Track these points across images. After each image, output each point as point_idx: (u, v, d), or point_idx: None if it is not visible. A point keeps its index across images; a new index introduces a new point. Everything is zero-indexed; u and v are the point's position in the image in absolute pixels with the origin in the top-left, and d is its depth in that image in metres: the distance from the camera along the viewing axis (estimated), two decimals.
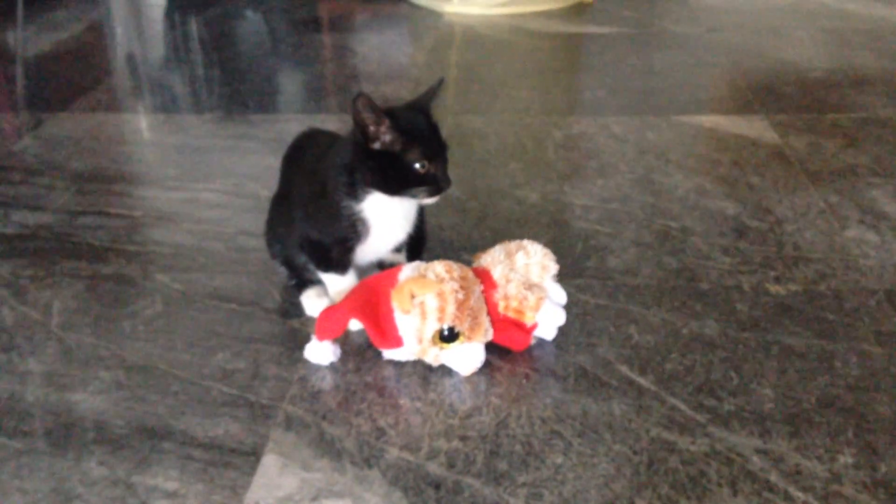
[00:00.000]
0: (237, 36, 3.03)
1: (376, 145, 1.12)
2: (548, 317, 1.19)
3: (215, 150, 1.91)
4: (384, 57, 2.65)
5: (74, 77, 2.50)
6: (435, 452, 1.01)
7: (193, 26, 3.13)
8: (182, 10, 3.36)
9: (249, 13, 3.30)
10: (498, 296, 1.18)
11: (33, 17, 3.23)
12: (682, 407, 1.07)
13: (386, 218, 1.18)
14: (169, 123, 2.12)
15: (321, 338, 1.17)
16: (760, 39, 2.62)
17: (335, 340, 1.18)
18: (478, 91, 2.29)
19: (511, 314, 1.17)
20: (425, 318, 1.12)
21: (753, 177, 1.68)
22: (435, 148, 1.14)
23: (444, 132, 1.19)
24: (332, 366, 1.17)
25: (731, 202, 1.59)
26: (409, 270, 1.17)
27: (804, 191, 1.62)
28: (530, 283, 1.19)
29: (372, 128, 1.11)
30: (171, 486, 0.96)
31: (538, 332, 1.20)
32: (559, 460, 1.00)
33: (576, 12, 3.06)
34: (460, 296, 1.12)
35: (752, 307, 1.27)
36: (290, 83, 2.48)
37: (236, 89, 2.34)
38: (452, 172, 1.16)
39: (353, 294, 1.18)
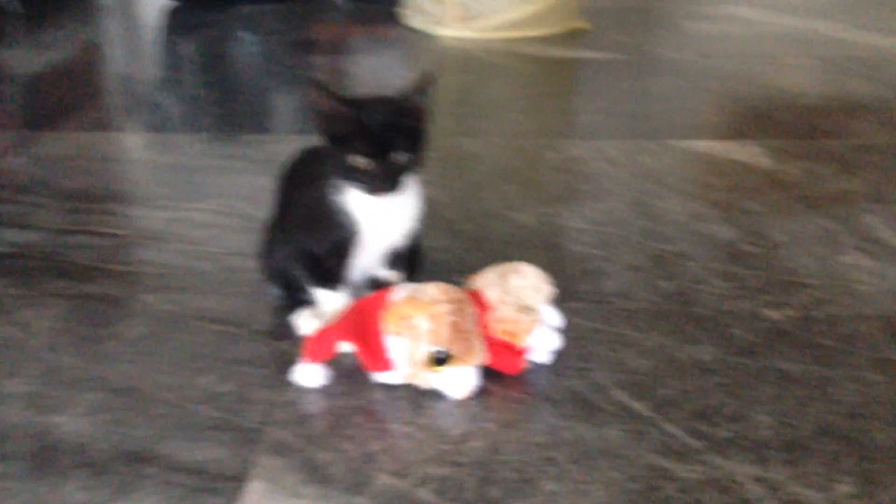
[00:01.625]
0: (231, 57, 3.03)
1: (332, 132, 1.11)
2: (542, 340, 1.17)
3: (207, 169, 1.89)
4: (379, 79, 2.65)
5: (67, 96, 2.50)
6: (426, 479, 0.99)
7: (188, 47, 3.13)
8: (177, 32, 3.36)
9: (244, 35, 3.30)
10: (491, 318, 1.16)
11: (26, 36, 3.23)
12: (678, 433, 1.05)
13: (372, 214, 1.16)
14: (161, 143, 2.11)
15: (310, 360, 1.14)
16: (754, 66, 2.63)
17: (325, 363, 1.16)
18: (472, 114, 2.29)
19: (505, 337, 1.15)
20: (417, 341, 1.10)
21: (749, 202, 1.68)
22: (378, 146, 1.10)
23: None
24: (321, 389, 1.15)
25: (727, 227, 1.57)
26: (401, 292, 1.15)
27: (800, 216, 1.61)
28: (524, 306, 1.17)
29: (328, 113, 1.10)
30: None
31: (532, 356, 1.18)
32: (553, 487, 0.97)
33: (571, 37, 3.07)
34: (454, 318, 1.10)
35: (749, 332, 1.25)
36: (283, 104, 2.48)
37: (229, 110, 2.34)
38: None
39: (344, 316, 1.16)
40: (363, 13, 3.60)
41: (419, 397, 1.13)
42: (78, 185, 1.81)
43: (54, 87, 2.61)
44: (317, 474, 0.99)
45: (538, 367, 1.18)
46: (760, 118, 2.14)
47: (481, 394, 1.13)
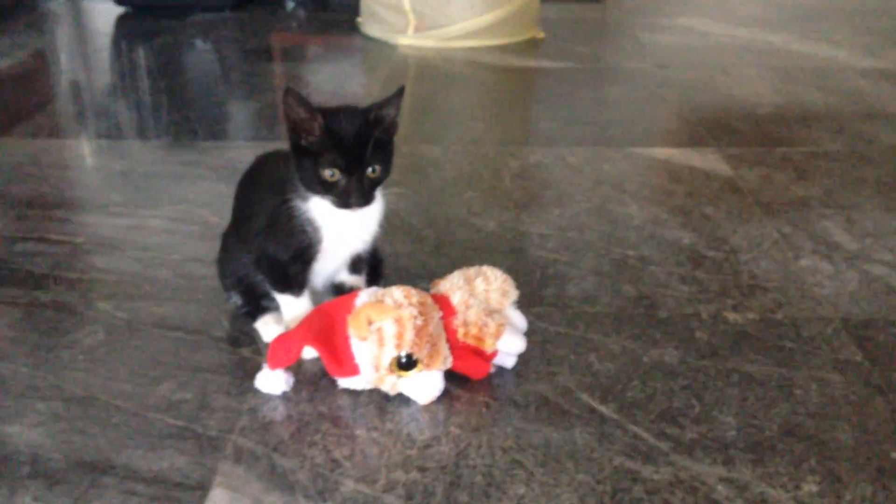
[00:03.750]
0: (186, 64, 2.99)
1: (303, 142, 1.09)
2: (508, 344, 1.16)
3: (163, 176, 1.86)
4: (338, 87, 2.63)
5: (16, 103, 2.43)
6: (392, 484, 0.97)
7: (141, 54, 3.08)
8: (129, 39, 3.31)
9: (199, 42, 3.26)
10: (457, 322, 1.15)
11: None
12: (645, 435, 1.05)
13: (336, 221, 1.14)
14: (114, 150, 2.06)
15: (273, 366, 1.12)
16: (710, 76, 2.67)
17: (288, 369, 1.13)
18: (433, 121, 2.29)
19: (470, 341, 1.14)
20: (383, 345, 1.08)
21: (708, 207, 1.69)
22: (352, 160, 1.08)
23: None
24: (284, 396, 1.12)
25: (687, 232, 1.59)
26: (365, 296, 1.13)
27: (758, 221, 1.63)
28: (490, 310, 1.17)
29: (301, 124, 1.08)
30: None
31: (498, 360, 1.18)
32: (521, 491, 0.96)
33: (528, 47, 3.09)
34: (419, 322, 1.09)
35: (711, 335, 1.26)
36: (241, 111, 2.45)
37: (185, 116, 2.30)
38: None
39: (307, 321, 1.14)
40: (321, 22, 3.59)
41: (384, 403, 1.11)
42: (29, 192, 1.76)
43: (3, 94, 2.54)
44: (281, 481, 0.97)
45: (503, 372, 1.18)
46: (717, 126, 2.17)
47: (447, 398, 1.12)
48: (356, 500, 0.95)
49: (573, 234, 1.59)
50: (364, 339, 1.09)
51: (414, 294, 1.12)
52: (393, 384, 1.10)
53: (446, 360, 1.12)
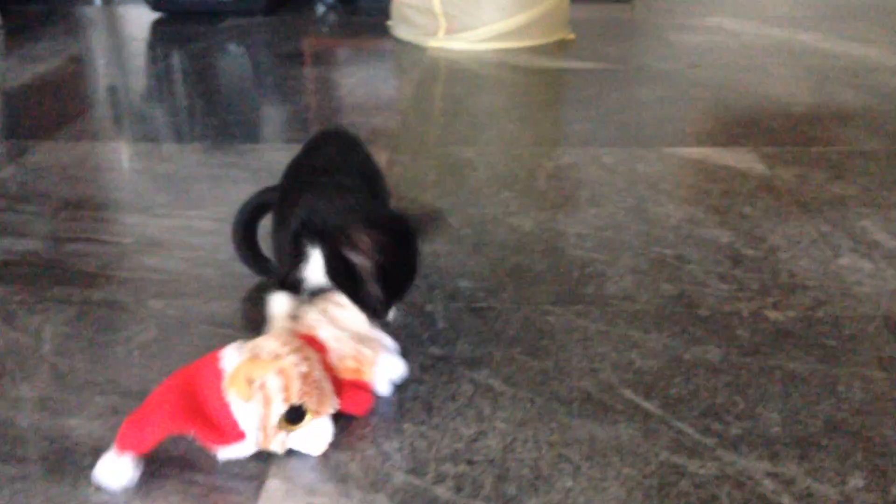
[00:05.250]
0: (221, 69, 3.03)
1: (351, 257, 1.09)
2: (385, 369, 1.12)
3: (204, 178, 1.89)
4: (371, 90, 2.66)
5: (57, 108, 2.49)
6: (442, 476, 0.99)
7: (176, 59, 3.13)
8: (164, 45, 3.36)
9: (233, 47, 3.30)
10: (332, 358, 1.09)
11: (13, 49, 3.21)
12: (689, 431, 1.06)
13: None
14: (156, 153, 2.10)
15: (122, 448, 0.96)
16: (742, 76, 2.67)
17: (138, 458, 0.98)
18: (465, 123, 2.31)
19: (349, 375, 1.09)
20: (269, 403, 0.98)
21: (745, 207, 1.70)
22: (392, 297, 1.12)
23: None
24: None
25: (725, 231, 1.60)
26: (233, 352, 1.03)
27: (796, 220, 1.64)
28: (360, 336, 1.12)
29: (358, 257, 1.08)
30: None
31: (376, 389, 1.13)
32: (569, 484, 0.98)
33: (558, 48, 3.11)
34: (303, 368, 1.00)
35: (753, 333, 1.27)
36: (276, 115, 2.48)
37: (222, 120, 2.34)
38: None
39: (164, 399, 0.99)
40: (352, 26, 3.62)
41: (430, 398, 1.13)
42: (76, 193, 1.80)
43: (43, 99, 2.60)
44: (334, 473, 1.00)
45: (383, 401, 1.13)
46: (752, 126, 2.18)
47: (490, 395, 1.13)
48: (407, 492, 0.97)
49: (610, 233, 1.60)
50: (249, 399, 0.98)
51: (287, 340, 1.04)
52: (282, 442, 1.00)
53: (334, 403, 1.04)
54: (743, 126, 2.18)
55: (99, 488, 0.96)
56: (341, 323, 1.13)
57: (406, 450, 1.04)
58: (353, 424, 1.08)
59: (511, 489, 0.98)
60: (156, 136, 2.26)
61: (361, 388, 1.10)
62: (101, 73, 3.06)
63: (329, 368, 1.08)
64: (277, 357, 1.00)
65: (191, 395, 1.00)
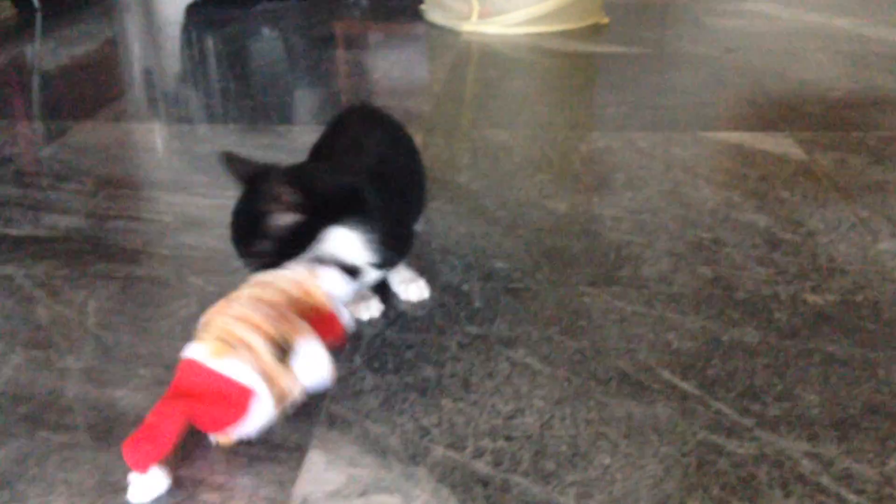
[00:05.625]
0: (255, 52, 3.05)
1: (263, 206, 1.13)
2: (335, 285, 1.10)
3: None
4: (404, 73, 2.67)
5: (95, 90, 2.52)
6: (481, 451, 1.00)
7: (210, 42, 3.15)
8: (198, 28, 3.39)
9: (266, 31, 3.32)
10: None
11: (50, 32, 3.26)
12: (728, 411, 1.07)
13: None
14: (193, 134, 2.13)
15: (143, 466, 0.91)
16: (779, 61, 2.64)
17: (163, 461, 0.94)
18: (499, 107, 2.31)
19: (306, 307, 1.05)
20: (252, 347, 0.96)
21: (783, 191, 1.69)
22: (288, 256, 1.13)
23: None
24: (370, 367, 1.16)
25: (762, 215, 1.59)
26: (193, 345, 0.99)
27: (834, 205, 1.62)
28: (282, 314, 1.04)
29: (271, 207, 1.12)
30: (218, 479, 0.95)
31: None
32: (607, 461, 0.99)
33: (592, 32, 3.09)
34: (257, 307, 1.00)
35: (791, 316, 1.27)
36: (311, 97, 2.50)
37: (258, 102, 2.36)
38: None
39: (163, 407, 0.95)
40: (385, 9, 3.63)
41: (468, 376, 1.14)
42: (117, 173, 1.83)
43: (81, 81, 2.63)
44: (374, 446, 1.01)
45: (580, 349, 1.19)
46: (789, 111, 2.16)
47: (528, 373, 1.14)
48: (447, 465, 0.98)
49: (646, 216, 1.60)
50: (232, 354, 0.95)
51: (229, 299, 1.03)
52: (292, 379, 0.99)
53: (307, 326, 1.02)
54: (780, 111, 2.16)
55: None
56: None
57: (444, 425, 1.05)
58: (392, 399, 1.09)
59: (549, 465, 0.98)
60: (192, 117, 2.29)
61: (326, 318, 1.07)
62: (137, 56, 3.09)
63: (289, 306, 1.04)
64: (227, 303, 1.01)
65: (187, 383, 0.97)
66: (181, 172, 1.86)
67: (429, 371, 1.16)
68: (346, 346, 1.16)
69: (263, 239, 1.11)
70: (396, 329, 1.25)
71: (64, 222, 1.59)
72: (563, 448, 1.01)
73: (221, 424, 0.96)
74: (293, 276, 1.08)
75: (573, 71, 2.74)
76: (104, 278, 1.39)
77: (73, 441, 1.02)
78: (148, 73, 2.84)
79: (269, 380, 0.96)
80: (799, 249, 1.46)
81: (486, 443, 1.02)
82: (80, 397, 1.10)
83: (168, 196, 1.72)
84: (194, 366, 0.96)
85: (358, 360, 1.18)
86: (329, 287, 1.09)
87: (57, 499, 0.93)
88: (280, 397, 0.98)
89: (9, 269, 1.42)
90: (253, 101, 2.36)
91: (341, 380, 1.14)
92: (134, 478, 0.92)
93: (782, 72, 2.52)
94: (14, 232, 1.56)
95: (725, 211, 1.61)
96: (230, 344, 0.96)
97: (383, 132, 1.34)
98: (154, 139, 2.10)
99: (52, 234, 1.54)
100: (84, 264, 1.43)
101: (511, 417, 1.06)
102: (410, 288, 1.32)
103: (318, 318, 1.06)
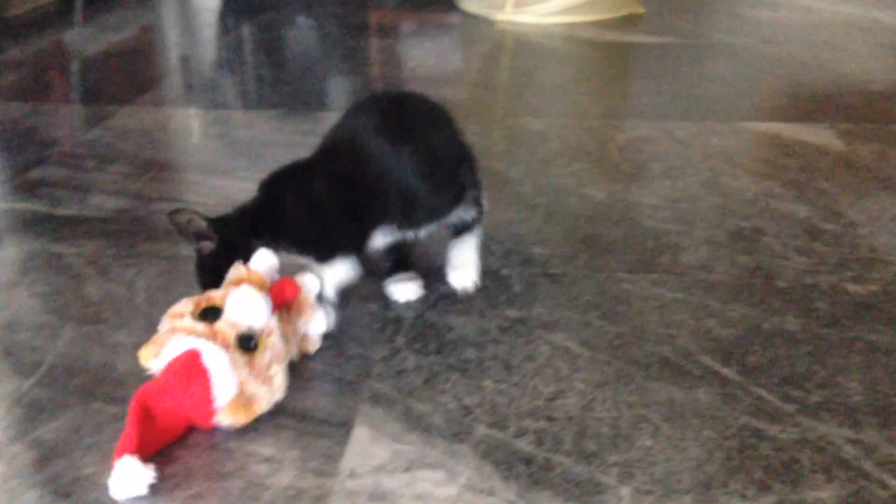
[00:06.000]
0: (290, 40, 3.08)
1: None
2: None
3: (281, 144, 1.94)
4: (439, 61, 2.68)
5: (134, 75, 2.56)
6: (523, 431, 1.02)
7: (246, 31, 3.18)
8: (234, 15, 3.42)
9: (301, 19, 3.35)
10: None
11: (89, 18, 3.30)
12: (769, 397, 1.07)
13: None
14: (233, 119, 2.16)
15: (130, 453, 0.93)
16: (817, 52, 2.62)
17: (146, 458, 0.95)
18: (534, 95, 2.31)
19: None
20: (173, 328, 1.04)
21: (823, 182, 1.68)
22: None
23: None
24: (412, 348, 1.18)
25: (802, 205, 1.58)
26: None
27: (875, 196, 1.61)
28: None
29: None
30: (268, 451, 0.98)
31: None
32: (648, 443, 1.00)
33: (627, 22, 3.08)
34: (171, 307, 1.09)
35: (832, 305, 1.27)
36: (349, 84, 2.52)
37: (295, 89, 2.38)
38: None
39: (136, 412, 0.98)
40: None
41: (509, 358, 1.16)
42: (160, 156, 1.86)
43: (120, 66, 2.67)
44: (418, 423, 1.03)
45: (622, 334, 1.20)
46: (828, 102, 2.14)
47: (568, 356, 1.15)
48: (490, 444, 1.00)
49: (685, 205, 1.60)
50: (160, 344, 1.03)
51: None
52: (230, 325, 1.04)
53: (231, 289, 1.08)
54: (819, 102, 2.15)
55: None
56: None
57: (487, 405, 1.07)
58: (434, 378, 1.11)
59: (591, 445, 1.00)
60: (232, 103, 2.32)
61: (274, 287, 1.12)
62: (174, 42, 3.13)
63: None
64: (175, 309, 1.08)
65: (153, 387, 1.00)
66: (222, 157, 1.88)
67: (470, 353, 1.17)
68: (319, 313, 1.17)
69: (198, 270, 1.20)
70: (437, 311, 1.27)
71: (110, 203, 1.62)
72: (605, 429, 1.02)
73: (199, 395, 0.98)
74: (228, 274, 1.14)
75: (609, 60, 2.73)
76: (151, 257, 1.41)
77: (125, 413, 1.04)
78: (185, 59, 2.87)
79: (207, 336, 1.01)
80: (839, 240, 1.45)
81: (528, 423, 1.03)
82: (132, 371, 1.12)
83: (210, 179, 1.74)
84: (148, 386, 1.00)
85: (400, 340, 1.20)
86: (259, 266, 1.14)
87: (112, 467, 0.96)
88: (227, 342, 1.01)
89: (59, 248, 1.45)
90: (290, 88, 2.39)
91: (384, 359, 1.16)
92: (114, 472, 0.92)
93: (820, 63, 2.50)
94: (62, 212, 1.59)
95: (765, 200, 1.61)
96: (155, 342, 1.03)
97: (383, 126, 1.24)
98: (195, 124, 2.13)
99: (99, 214, 1.58)
100: (131, 244, 1.46)
101: (552, 399, 1.08)
102: (408, 287, 1.31)
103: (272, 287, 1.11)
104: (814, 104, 2.13)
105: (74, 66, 2.71)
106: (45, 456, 0.98)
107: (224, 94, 2.41)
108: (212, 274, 1.15)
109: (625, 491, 0.93)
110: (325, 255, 1.21)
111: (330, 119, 2.05)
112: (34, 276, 1.37)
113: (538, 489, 0.93)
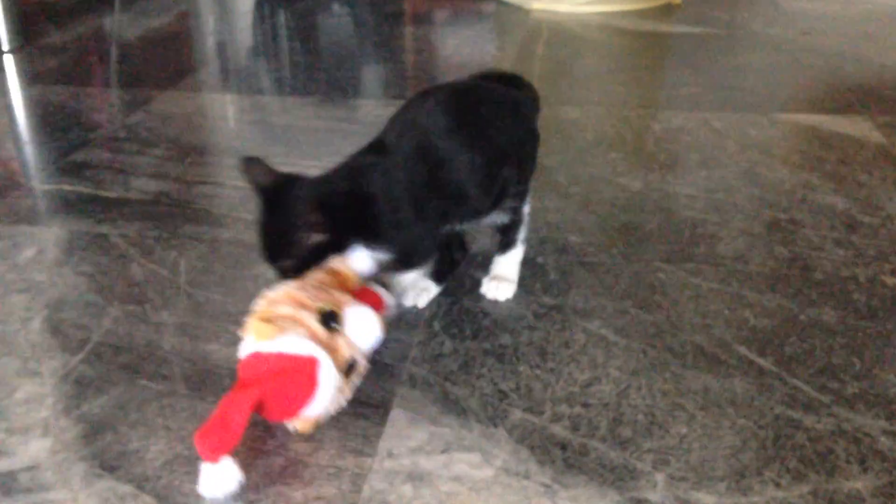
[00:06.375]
0: (325, 27, 3.09)
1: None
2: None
3: (319, 130, 1.96)
4: (474, 50, 2.68)
5: (173, 61, 2.59)
6: (558, 416, 1.03)
7: (282, 18, 3.20)
8: (270, 3, 3.44)
9: (336, 6, 3.36)
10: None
11: (127, 4, 3.34)
12: (805, 388, 1.07)
13: None
14: (269, 105, 2.18)
15: (214, 457, 0.91)
16: (857, 44, 2.58)
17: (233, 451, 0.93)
18: (570, 84, 2.31)
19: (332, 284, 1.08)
20: (300, 320, 0.98)
21: (861, 174, 1.67)
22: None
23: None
24: (448, 333, 1.20)
25: (841, 197, 1.57)
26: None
27: None
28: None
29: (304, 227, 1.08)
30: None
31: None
32: (683, 431, 1.01)
33: (663, 12, 3.06)
34: (295, 286, 1.03)
35: (870, 297, 1.26)
36: (385, 72, 2.53)
37: (331, 76, 2.40)
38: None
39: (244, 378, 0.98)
40: None
41: (544, 344, 1.17)
42: (200, 141, 1.89)
43: (158, 52, 2.71)
44: (454, 407, 1.05)
45: (644, 322, 1.21)
46: (867, 94, 2.12)
47: (603, 344, 1.16)
48: (525, 428, 1.01)
49: (721, 195, 1.60)
50: (280, 330, 0.97)
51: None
52: (346, 342, 1.01)
53: (348, 297, 1.05)
54: (858, 94, 2.12)
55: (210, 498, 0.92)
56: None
57: (522, 390, 1.08)
58: (470, 363, 1.13)
59: (626, 432, 1.01)
60: (269, 90, 2.34)
61: (361, 292, 1.10)
62: (211, 29, 3.16)
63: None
64: (264, 296, 1.02)
65: (252, 384, 0.96)
66: (259, 142, 1.91)
67: (506, 338, 1.19)
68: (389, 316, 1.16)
69: (288, 256, 1.09)
70: (473, 298, 1.28)
71: (153, 186, 1.65)
72: (640, 417, 1.03)
73: (296, 402, 0.96)
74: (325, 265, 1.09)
75: (645, 50, 2.72)
76: (193, 240, 1.44)
77: (170, 390, 1.07)
78: (222, 46, 2.90)
79: (326, 347, 0.97)
80: (878, 232, 1.45)
81: (563, 408, 1.05)
82: (176, 350, 1.15)
83: None
84: (251, 358, 0.97)
85: (437, 325, 1.22)
86: (358, 266, 1.11)
87: (157, 442, 0.99)
88: (341, 365, 0.99)
89: (103, 229, 1.49)
90: (326, 76, 2.41)
91: (421, 343, 1.17)
92: (205, 469, 0.91)
93: (860, 55, 2.47)
94: (106, 194, 1.63)
95: (802, 192, 1.60)
96: (275, 323, 0.97)
97: (446, 121, 1.18)
98: (233, 110, 2.16)
99: (142, 196, 1.61)
100: (174, 226, 1.49)
101: (588, 385, 1.09)
102: (420, 296, 1.28)
103: (357, 293, 1.08)
104: (853, 96, 2.11)
105: (113, 52, 2.75)
106: (93, 430, 1.01)
107: (260, 80, 2.43)
108: (305, 263, 1.08)
109: (659, 477, 0.94)
110: (420, 260, 1.19)
111: (364, 107, 2.07)
112: (80, 255, 1.40)
113: (573, 473, 0.94)
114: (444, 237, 1.26)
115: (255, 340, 0.97)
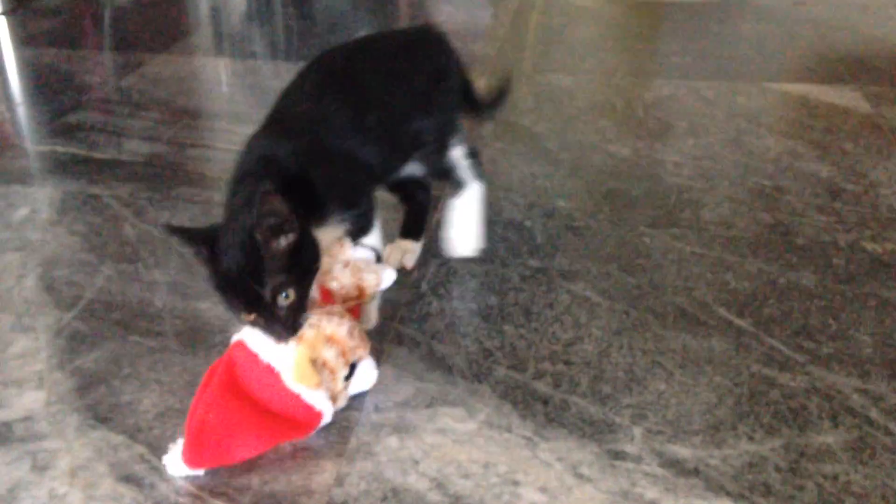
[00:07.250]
0: None
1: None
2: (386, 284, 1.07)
3: None
4: (468, 17, 2.68)
5: (165, 25, 2.58)
6: (541, 373, 1.06)
7: None
8: None
9: None
10: (337, 300, 1.03)
11: None
12: (781, 347, 1.10)
13: None
14: (262, 70, 2.18)
15: (196, 467, 0.91)
16: (848, 14, 2.59)
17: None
18: (563, 52, 2.32)
19: (352, 303, 1.04)
20: (335, 372, 0.96)
21: (846, 143, 1.69)
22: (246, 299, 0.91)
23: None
24: (436, 294, 1.22)
25: (825, 165, 1.60)
26: (266, 345, 0.95)
27: None
28: (348, 262, 1.04)
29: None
30: None
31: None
32: (662, 387, 1.04)
33: None
34: (346, 325, 0.97)
35: (849, 262, 1.29)
36: None
37: (326, 41, 2.40)
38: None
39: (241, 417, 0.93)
40: None
41: (529, 304, 1.19)
42: (193, 104, 1.90)
43: (152, 16, 2.70)
44: (440, 364, 1.07)
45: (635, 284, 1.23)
46: (857, 65, 2.13)
47: (586, 304, 1.19)
48: (508, 384, 1.04)
49: (708, 162, 1.62)
50: (319, 385, 0.94)
51: (328, 309, 0.99)
52: (346, 394, 1.00)
53: (367, 340, 1.01)
54: (847, 65, 2.14)
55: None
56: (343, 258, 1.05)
57: (507, 348, 1.11)
58: (456, 322, 1.15)
59: (606, 388, 1.04)
60: (259, 54, 2.34)
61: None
62: None
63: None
64: (317, 326, 0.94)
65: (254, 400, 0.93)
66: (253, 106, 1.92)
67: (492, 299, 1.21)
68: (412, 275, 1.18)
69: (275, 274, 0.89)
70: (460, 259, 1.30)
71: (146, 148, 1.67)
72: (620, 374, 1.06)
73: (282, 440, 0.95)
74: (360, 276, 1.05)
75: (638, 19, 2.72)
76: (186, 201, 1.46)
77: (162, 345, 1.10)
78: (215, 10, 2.89)
79: (334, 399, 0.97)
80: (860, 199, 1.47)
81: (546, 366, 1.07)
82: (168, 307, 1.17)
83: (241, 128, 1.78)
84: (274, 377, 0.93)
85: (424, 286, 1.24)
86: (385, 281, 1.07)
87: (149, 395, 1.02)
88: (336, 405, 0.98)
89: (96, 190, 1.50)
90: (320, 40, 2.41)
91: (409, 303, 1.20)
92: (171, 453, 0.91)
93: (851, 26, 2.48)
94: (99, 155, 1.64)
95: (788, 160, 1.62)
96: (317, 370, 0.94)
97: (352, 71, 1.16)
98: (226, 73, 2.17)
99: (134, 158, 1.62)
100: (166, 188, 1.51)
101: (570, 344, 1.12)
102: (406, 257, 1.27)
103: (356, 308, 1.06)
104: (843, 66, 2.12)
105: (106, 15, 2.75)
106: (86, 384, 1.04)
107: (254, 45, 2.43)
108: (296, 272, 0.91)
109: (637, 431, 0.97)
110: (369, 216, 1.09)
111: None
112: (73, 215, 1.42)
113: (553, 427, 0.97)
114: (398, 190, 1.25)
115: (289, 375, 0.93)
